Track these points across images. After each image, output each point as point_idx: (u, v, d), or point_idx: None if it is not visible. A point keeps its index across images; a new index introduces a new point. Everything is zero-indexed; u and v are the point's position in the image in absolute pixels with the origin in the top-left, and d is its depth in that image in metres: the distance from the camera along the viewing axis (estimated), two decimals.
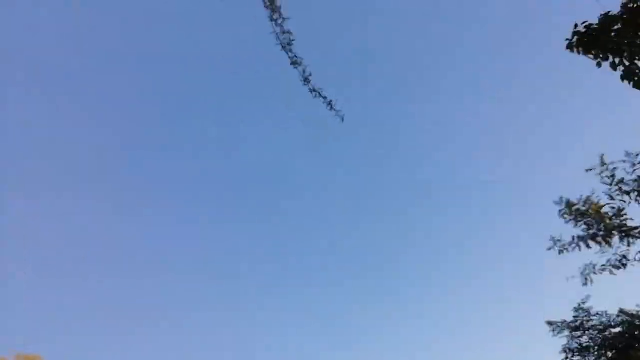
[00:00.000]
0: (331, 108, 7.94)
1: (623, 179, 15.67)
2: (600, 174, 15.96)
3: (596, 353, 16.33)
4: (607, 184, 15.99)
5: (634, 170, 15.17)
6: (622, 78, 7.61)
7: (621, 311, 16.16)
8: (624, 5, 7.36)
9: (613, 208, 16.20)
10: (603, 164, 15.75)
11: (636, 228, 15.72)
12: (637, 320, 15.57)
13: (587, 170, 16.00)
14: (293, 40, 7.53)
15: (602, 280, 16.69)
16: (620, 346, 15.55)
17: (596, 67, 7.70)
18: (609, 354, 15.98)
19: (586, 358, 16.56)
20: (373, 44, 49.92)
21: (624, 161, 15.40)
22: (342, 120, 7.91)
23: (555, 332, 17.14)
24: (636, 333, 15.44)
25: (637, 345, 15.20)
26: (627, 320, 15.96)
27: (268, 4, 7.15)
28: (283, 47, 7.55)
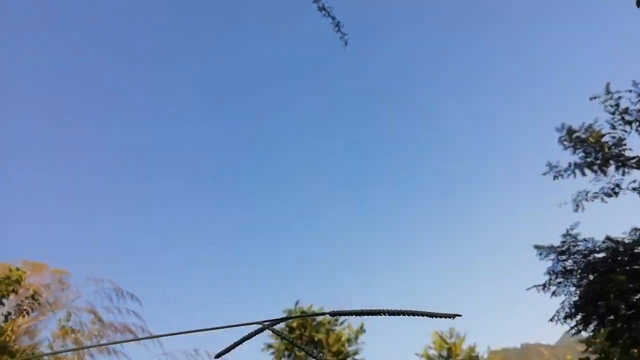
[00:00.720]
0: (338, 30, 7.92)
1: (627, 108, 15.49)
2: (604, 102, 15.76)
3: (579, 275, 17.02)
4: (610, 113, 15.85)
5: (639, 100, 14.97)
6: (638, 4, 7.26)
7: (607, 238, 16.63)
8: None
9: (613, 137, 16.18)
10: (608, 92, 15.49)
11: (633, 158, 15.81)
12: (621, 247, 16.07)
13: (591, 98, 15.77)
14: None
15: (593, 208, 17.09)
16: (602, 270, 16.16)
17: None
18: (591, 277, 16.67)
19: (569, 280, 17.29)
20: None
21: (630, 91, 15.14)
22: (346, 44, 7.90)
23: (542, 256, 17.74)
24: (619, 258, 16.01)
25: (618, 270, 15.83)
26: (611, 246, 16.47)
27: None
28: None
